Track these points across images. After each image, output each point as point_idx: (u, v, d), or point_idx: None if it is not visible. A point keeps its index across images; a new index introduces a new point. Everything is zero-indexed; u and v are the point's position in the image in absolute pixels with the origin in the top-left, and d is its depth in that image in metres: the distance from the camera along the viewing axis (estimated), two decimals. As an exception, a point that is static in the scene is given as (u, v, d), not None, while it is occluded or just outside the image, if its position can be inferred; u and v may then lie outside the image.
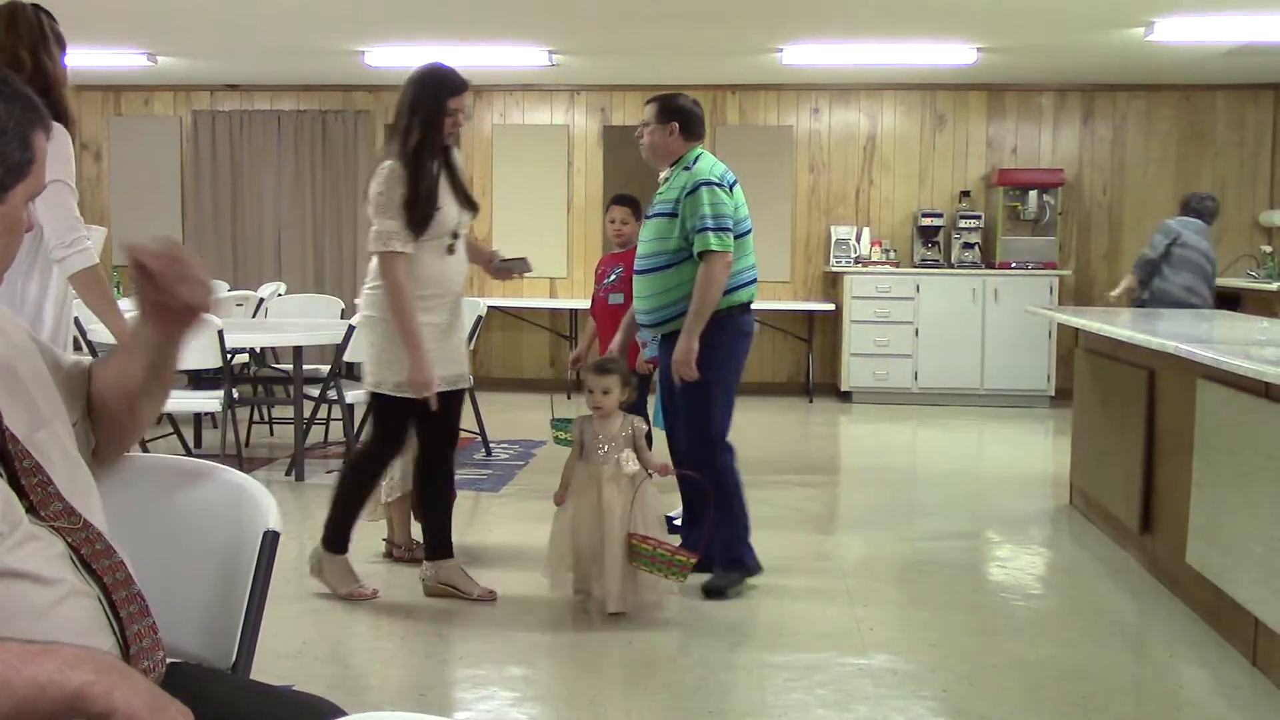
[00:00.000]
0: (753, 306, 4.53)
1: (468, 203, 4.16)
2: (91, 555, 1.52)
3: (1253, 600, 3.57)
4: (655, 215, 4.47)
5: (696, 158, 4.43)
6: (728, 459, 4.41)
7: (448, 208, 4.06)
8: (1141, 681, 3.66)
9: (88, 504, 1.59)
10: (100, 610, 1.50)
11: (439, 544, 4.31)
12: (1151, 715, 3.38)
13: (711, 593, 4.34)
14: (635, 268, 4.56)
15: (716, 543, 4.36)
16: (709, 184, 4.30)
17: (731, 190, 4.38)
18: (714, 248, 4.26)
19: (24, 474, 1.50)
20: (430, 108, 4.01)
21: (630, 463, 4.08)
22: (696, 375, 4.31)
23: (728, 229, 4.30)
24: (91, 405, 1.76)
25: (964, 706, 3.35)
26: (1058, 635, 4.05)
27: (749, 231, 4.47)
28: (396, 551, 4.74)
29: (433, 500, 4.32)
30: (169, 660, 1.61)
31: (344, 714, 1.54)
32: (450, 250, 4.12)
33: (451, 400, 4.20)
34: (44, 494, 1.51)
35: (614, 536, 4.00)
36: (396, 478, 4.61)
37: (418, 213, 4.00)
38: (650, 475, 4.14)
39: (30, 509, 1.49)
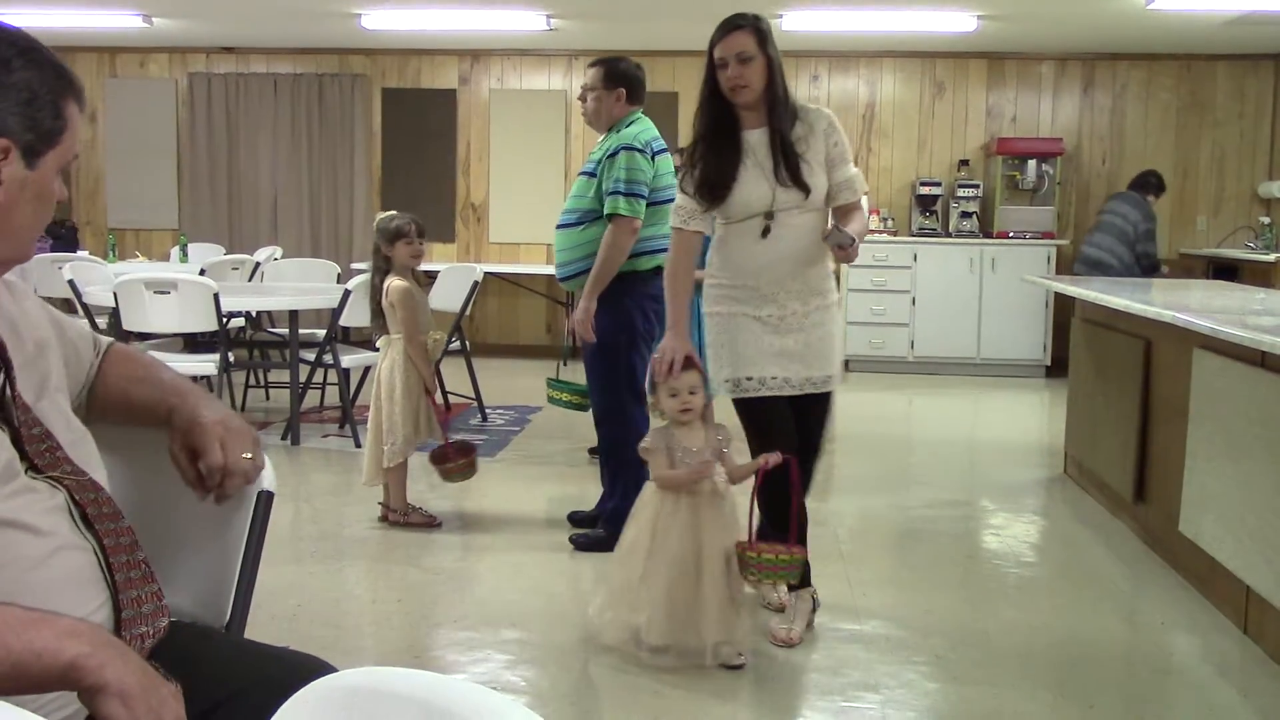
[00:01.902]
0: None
1: None
2: (97, 516, 1.51)
3: (1244, 569, 3.58)
4: (581, 173, 4.51)
5: (631, 122, 4.45)
6: (637, 417, 4.34)
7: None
8: (1132, 648, 3.68)
9: (91, 466, 1.59)
10: (96, 566, 1.50)
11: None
12: (1142, 682, 3.40)
13: (578, 544, 4.45)
14: (557, 222, 4.57)
15: (609, 501, 4.43)
16: (630, 148, 4.31)
17: (655, 158, 4.38)
18: (622, 211, 4.27)
19: (30, 440, 1.50)
20: None
21: (721, 478, 3.38)
22: (593, 337, 4.36)
23: (640, 195, 4.30)
24: (93, 392, 1.78)
25: (956, 672, 3.37)
26: (1050, 602, 4.07)
27: (669, 201, 4.31)
28: (391, 516, 4.75)
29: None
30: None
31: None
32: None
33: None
34: (51, 458, 1.51)
35: (717, 571, 3.28)
36: (399, 443, 4.60)
37: None
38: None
39: (32, 468, 1.49)
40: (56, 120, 1.50)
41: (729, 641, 3.30)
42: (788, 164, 3.47)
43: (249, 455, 1.72)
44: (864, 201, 3.72)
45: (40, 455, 1.50)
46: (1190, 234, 9.74)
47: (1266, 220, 9.42)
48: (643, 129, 4.42)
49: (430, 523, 4.72)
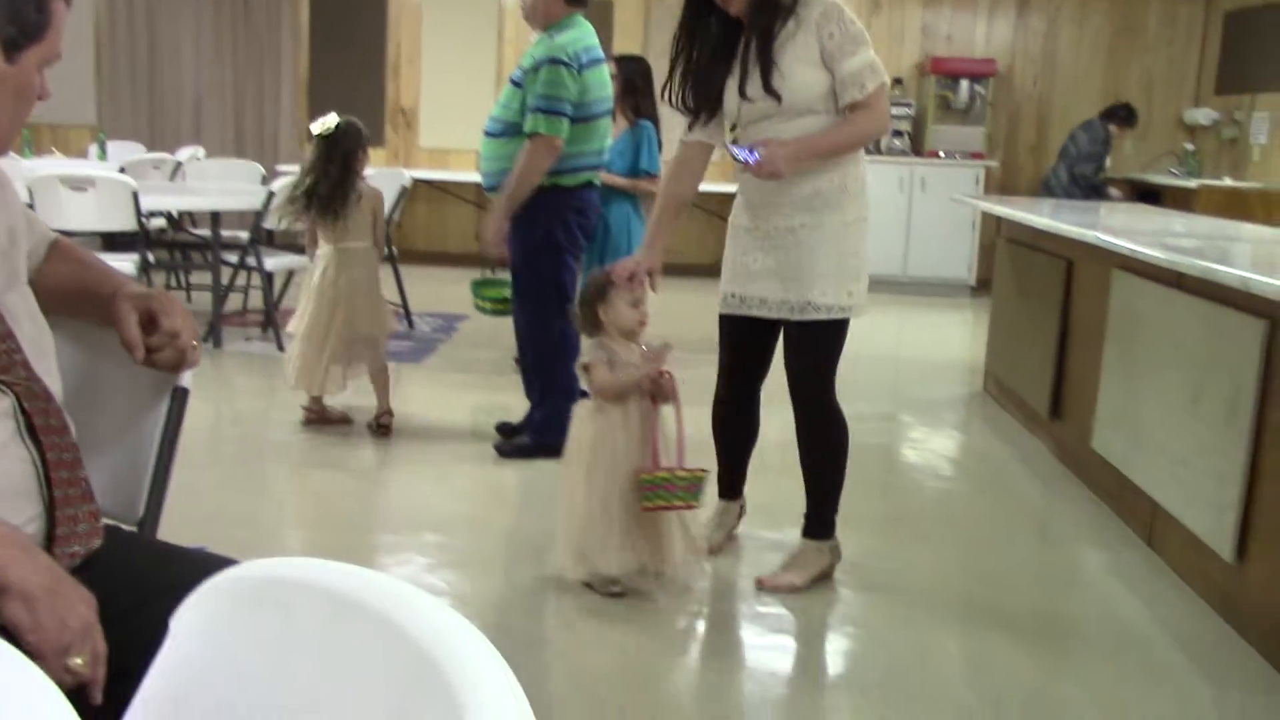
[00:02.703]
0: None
1: None
2: (44, 427, 1.47)
3: (1151, 484, 3.68)
4: (510, 81, 4.35)
5: (569, 27, 4.24)
6: (565, 330, 4.29)
7: None
8: (1043, 561, 3.78)
9: (49, 373, 1.55)
10: (33, 477, 1.46)
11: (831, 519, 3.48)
12: (1050, 593, 3.50)
13: (502, 452, 4.45)
14: (484, 129, 4.44)
15: (537, 412, 4.42)
16: (555, 62, 4.14)
17: (581, 72, 4.19)
18: (541, 130, 4.14)
19: None
20: None
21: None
22: (505, 253, 4.30)
23: (560, 113, 4.15)
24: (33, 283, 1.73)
25: (869, 580, 3.44)
26: (965, 516, 4.16)
27: (600, 115, 4.32)
28: (313, 415, 4.70)
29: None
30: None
31: None
32: None
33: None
34: (8, 360, 1.47)
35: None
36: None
37: None
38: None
39: None
40: (40, 14, 1.46)
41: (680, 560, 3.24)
42: (758, 71, 3.11)
43: (196, 345, 1.71)
44: (880, 93, 3.13)
45: (1, 355, 1.46)
46: (1116, 158, 9.82)
47: (1190, 147, 9.55)
48: (576, 37, 4.23)
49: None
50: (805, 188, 3.17)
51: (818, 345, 3.29)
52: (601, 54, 4.36)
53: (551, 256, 4.33)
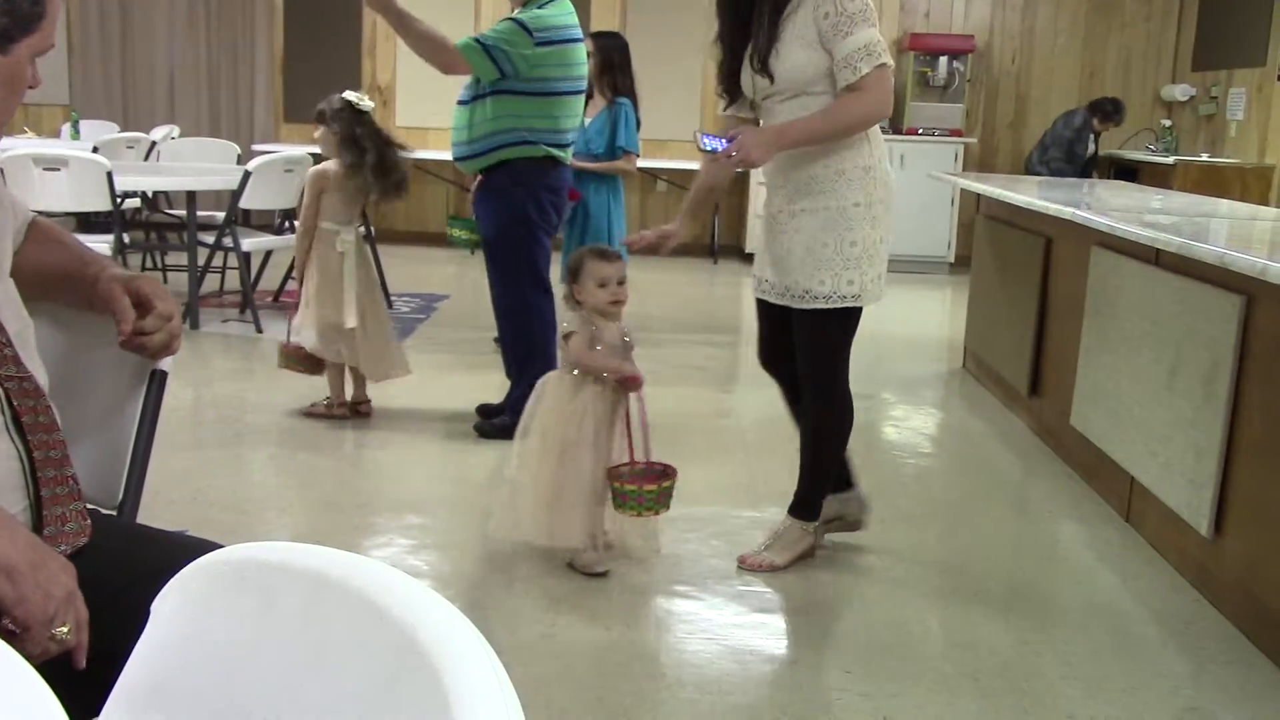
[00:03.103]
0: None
1: None
2: (32, 425, 1.47)
3: (1129, 460, 3.71)
4: None
5: (546, 4, 4.23)
6: (542, 307, 4.36)
7: None
8: (1021, 537, 3.81)
9: (31, 362, 1.54)
10: (18, 472, 1.45)
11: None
12: (1027, 568, 3.53)
13: (483, 433, 4.44)
14: (457, 98, 4.45)
15: (516, 390, 4.37)
16: (518, 22, 4.16)
17: (542, 46, 4.16)
18: (464, 52, 4.15)
19: None
20: None
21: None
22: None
23: (493, 58, 4.13)
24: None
25: (848, 559, 3.45)
26: (943, 493, 4.18)
27: (565, 94, 4.31)
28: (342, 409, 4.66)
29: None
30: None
31: None
32: None
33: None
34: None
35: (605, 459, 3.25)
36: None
37: None
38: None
39: None
40: (35, 6, 1.44)
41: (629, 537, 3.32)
42: (760, 49, 3.08)
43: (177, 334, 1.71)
44: (877, 77, 2.99)
45: None
46: (1094, 135, 9.87)
47: (1168, 123, 9.58)
48: (549, 13, 4.21)
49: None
50: (801, 173, 3.12)
51: (821, 333, 3.20)
52: (577, 34, 4.32)
53: (525, 231, 4.32)
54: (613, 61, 5.57)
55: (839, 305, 3.14)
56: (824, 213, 3.10)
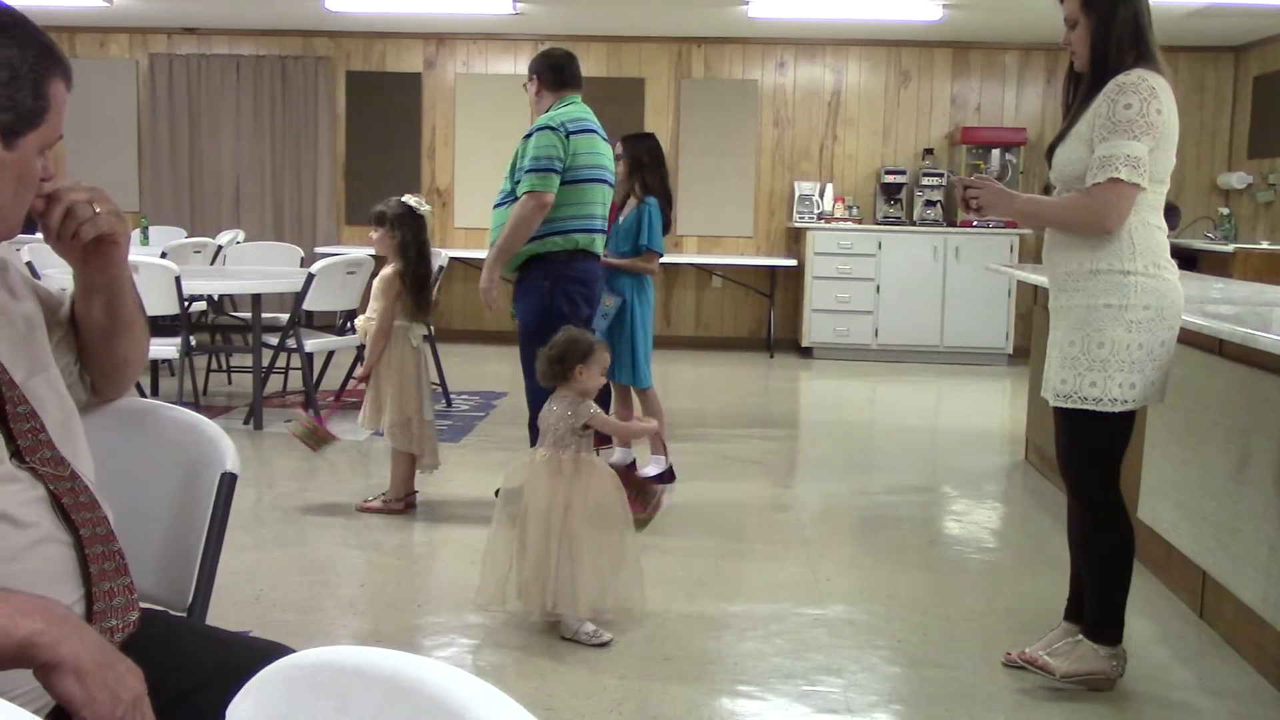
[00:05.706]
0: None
1: None
2: (74, 506, 1.50)
3: (1200, 554, 3.63)
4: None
5: (559, 107, 4.54)
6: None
7: None
8: (1091, 633, 3.71)
9: (76, 452, 1.57)
10: (72, 560, 1.48)
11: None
12: (1100, 665, 3.44)
13: None
14: (494, 201, 4.66)
15: None
16: (543, 128, 4.43)
17: (570, 137, 4.44)
18: (533, 188, 4.37)
19: (15, 419, 1.47)
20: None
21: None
22: (499, 304, 4.62)
23: (550, 170, 4.38)
24: (79, 343, 1.74)
25: (917, 655, 3.39)
26: (1010, 588, 4.11)
27: (591, 180, 4.52)
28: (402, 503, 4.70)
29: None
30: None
31: None
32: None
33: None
34: (34, 440, 1.49)
35: (583, 531, 3.43)
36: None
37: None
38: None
39: (16, 453, 1.46)
40: (38, 100, 1.46)
41: (605, 610, 3.45)
42: (1060, 132, 3.11)
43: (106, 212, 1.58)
44: (1106, 189, 2.93)
45: (24, 436, 1.48)
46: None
47: (1225, 211, 9.52)
48: (563, 111, 4.51)
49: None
50: (1058, 270, 3.12)
51: (1073, 434, 3.13)
52: (593, 126, 4.57)
53: (553, 326, 4.37)
54: (641, 161, 5.68)
55: (1077, 407, 3.05)
56: (1077, 311, 3.05)
